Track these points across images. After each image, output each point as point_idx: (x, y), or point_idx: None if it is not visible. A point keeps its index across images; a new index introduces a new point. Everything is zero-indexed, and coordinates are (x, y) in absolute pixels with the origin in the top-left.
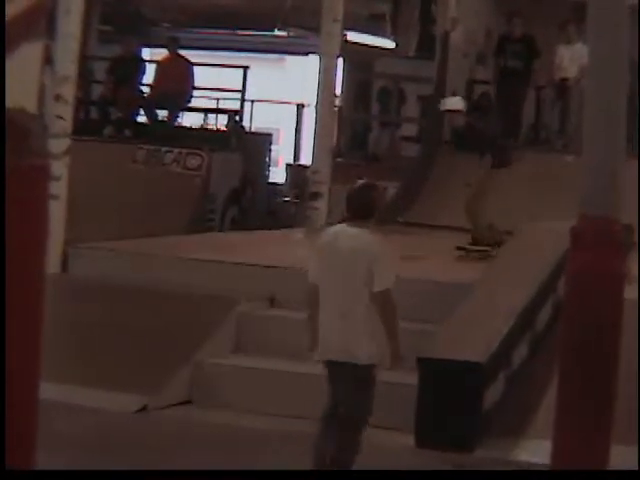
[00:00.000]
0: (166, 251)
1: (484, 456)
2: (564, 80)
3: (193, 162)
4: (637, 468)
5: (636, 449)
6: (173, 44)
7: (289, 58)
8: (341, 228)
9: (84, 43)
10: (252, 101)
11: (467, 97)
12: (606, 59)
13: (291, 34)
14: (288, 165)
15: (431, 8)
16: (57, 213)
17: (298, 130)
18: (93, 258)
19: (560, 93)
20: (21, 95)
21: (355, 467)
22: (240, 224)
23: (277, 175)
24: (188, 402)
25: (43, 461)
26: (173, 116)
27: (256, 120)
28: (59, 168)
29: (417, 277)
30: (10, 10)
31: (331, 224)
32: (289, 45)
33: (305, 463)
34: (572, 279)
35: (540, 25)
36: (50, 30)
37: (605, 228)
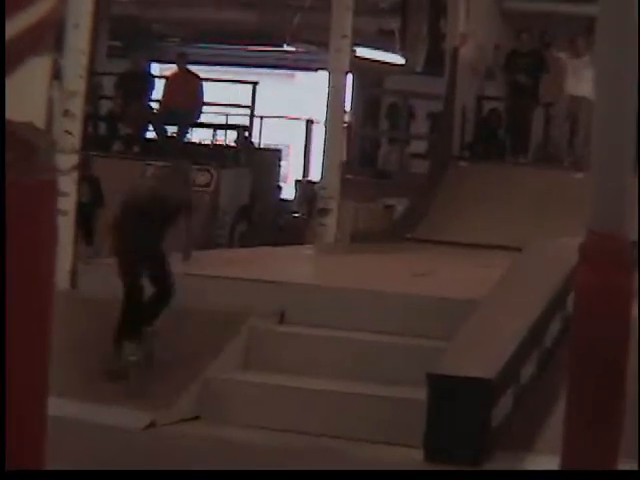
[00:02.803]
0: (175, 267)
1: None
2: (573, 95)
3: (202, 178)
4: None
5: (636, 464)
6: (182, 60)
7: (298, 74)
8: None
9: (93, 58)
10: (261, 117)
11: (476, 113)
12: (615, 74)
13: (300, 50)
14: (297, 181)
15: (440, 24)
16: (65, 229)
17: (307, 146)
18: (102, 274)
19: (569, 109)
20: (29, 110)
21: None
22: (249, 240)
23: (287, 191)
24: (197, 418)
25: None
26: (182, 132)
27: (265, 136)
28: (67, 184)
29: (427, 294)
30: (18, 24)
31: (339, 240)
32: (298, 61)
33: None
34: (580, 295)
35: (549, 40)
36: (59, 45)
37: (613, 244)
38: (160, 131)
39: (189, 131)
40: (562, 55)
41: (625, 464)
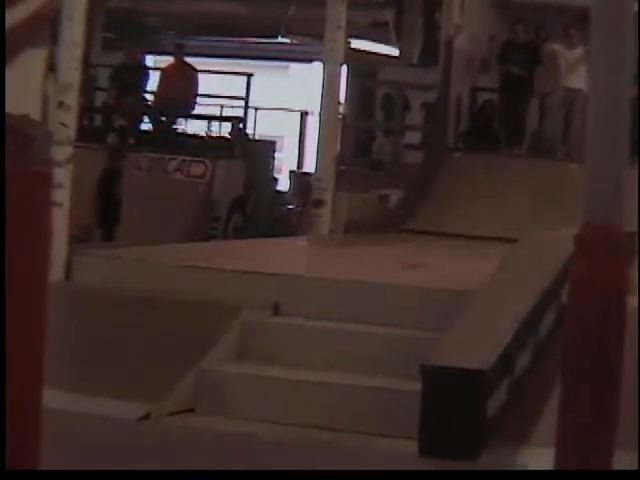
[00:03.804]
0: (169, 259)
1: (487, 463)
2: (568, 87)
3: (197, 170)
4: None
5: (636, 456)
6: (179, 51)
7: (293, 65)
8: None
9: (87, 50)
10: (256, 108)
11: (471, 104)
12: (609, 65)
13: (295, 41)
14: (292, 172)
15: (435, 15)
16: (60, 220)
17: (302, 138)
18: (96, 266)
19: (565, 99)
20: (24, 102)
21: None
22: (243, 232)
23: (281, 182)
24: (191, 410)
25: (45, 468)
26: (172, 122)
27: (260, 127)
28: (62, 175)
29: (420, 285)
30: (14, 16)
31: (334, 231)
32: (293, 52)
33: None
34: (575, 286)
35: (545, 36)
36: (53, 37)
37: (608, 236)
38: (156, 123)
39: (178, 121)
40: (557, 47)
41: (621, 455)
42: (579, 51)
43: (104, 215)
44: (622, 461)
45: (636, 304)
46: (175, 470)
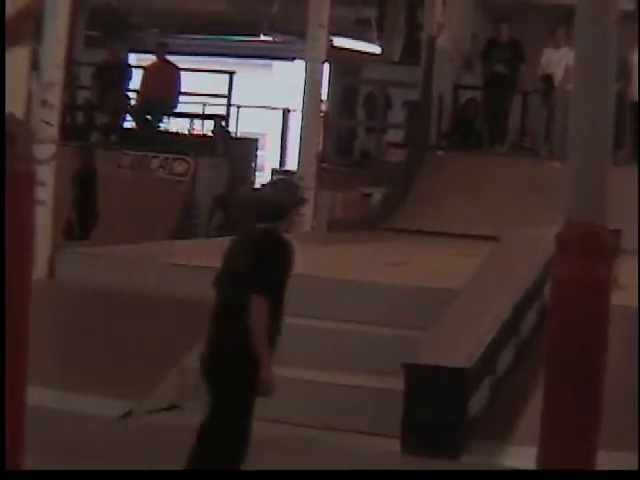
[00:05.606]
0: (152, 257)
1: (469, 462)
2: (548, 79)
3: (179, 167)
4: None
5: (636, 455)
6: (162, 50)
7: (275, 63)
8: None
9: (70, 48)
10: (238, 106)
11: (454, 102)
12: (593, 64)
13: (277, 39)
14: (274, 170)
15: (417, 13)
16: (43, 218)
17: (284, 135)
18: (80, 263)
19: (545, 98)
20: (8, 100)
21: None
22: (226, 229)
23: (263, 180)
24: (175, 407)
25: (29, 466)
26: (156, 121)
27: (242, 125)
28: (45, 173)
29: (402, 283)
30: None
31: (316, 229)
32: (275, 50)
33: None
34: (558, 285)
35: (528, 30)
36: (37, 35)
37: (590, 234)
38: (140, 121)
39: (162, 120)
40: (547, 55)
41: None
42: (565, 51)
43: (81, 213)
44: (623, 461)
45: (620, 302)
46: (174, 470)
